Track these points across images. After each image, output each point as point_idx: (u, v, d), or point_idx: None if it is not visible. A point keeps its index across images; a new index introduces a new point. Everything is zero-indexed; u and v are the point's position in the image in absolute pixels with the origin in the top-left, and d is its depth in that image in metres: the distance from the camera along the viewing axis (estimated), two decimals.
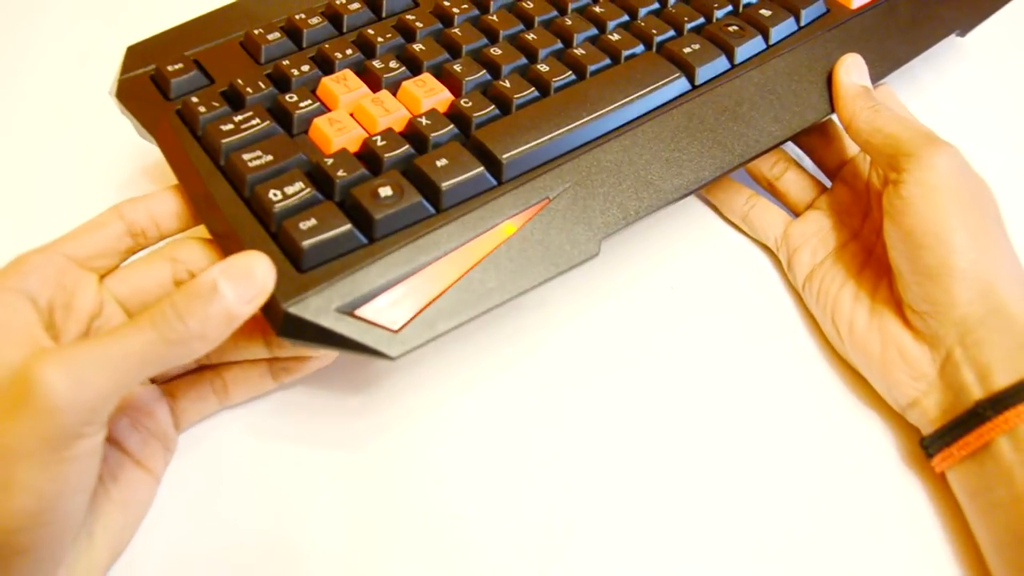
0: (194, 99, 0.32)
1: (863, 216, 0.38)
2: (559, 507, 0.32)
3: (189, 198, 0.31)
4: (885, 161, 0.34)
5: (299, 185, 0.29)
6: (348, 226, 0.28)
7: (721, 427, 0.34)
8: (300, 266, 0.28)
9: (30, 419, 0.22)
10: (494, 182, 0.31)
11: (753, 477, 0.33)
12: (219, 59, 0.35)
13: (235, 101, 0.33)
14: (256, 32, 0.35)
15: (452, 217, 0.29)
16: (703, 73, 0.35)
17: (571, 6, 0.38)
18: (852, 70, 0.36)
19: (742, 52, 0.36)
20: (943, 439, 0.31)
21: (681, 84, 0.35)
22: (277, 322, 0.27)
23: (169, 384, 0.32)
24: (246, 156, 0.30)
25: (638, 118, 0.34)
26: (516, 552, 0.30)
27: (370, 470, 0.32)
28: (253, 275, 0.25)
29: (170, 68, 0.34)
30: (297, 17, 0.36)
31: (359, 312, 0.27)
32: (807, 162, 0.42)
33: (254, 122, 0.31)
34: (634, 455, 0.33)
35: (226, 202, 0.30)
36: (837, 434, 0.34)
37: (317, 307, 0.27)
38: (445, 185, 0.30)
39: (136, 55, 0.35)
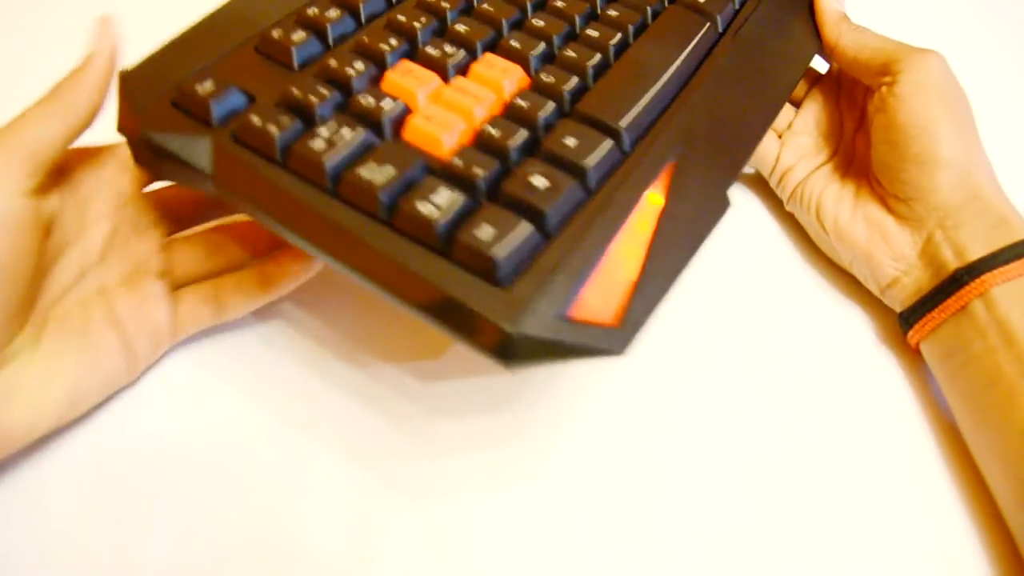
0: (254, 119, 0.27)
1: (839, 133, 0.41)
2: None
3: (275, 232, 0.26)
4: (875, 71, 0.37)
5: (446, 193, 0.26)
6: (528, 225, 0.25)
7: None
8: (497, 280, 0.24)
9: None
10: (620, 154, 0.29)
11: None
12: (240, 71, 0.29)
13: (302, 114, 0.28)
14: (275, 34, 0.30)
15: (603, 196, 0.28)
16: (722, 19, 0.36)
17: None
18: None
19: None
20: (923, 307, 0.35)
21: (711, 33, 0.35)
22: (498, 346, 0.24)
23: (177, 290, 0.33)
24: (364, 172, 0.26)
25: (695, 71, 0.34)
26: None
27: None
28: (102, 29, 0.29)
29: (201, 88, 0.27)
30: (310, 12, 0.31)
31: (573, 314, 0.25)
32: None
33: (345, 133, 0.27)
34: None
35: (360, 228, 0.25)
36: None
37: (538, 321, 0.24)
38: (589, 164, 0.28)
39: (135, 82, 0.28)
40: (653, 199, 0.28)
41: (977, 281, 0.33)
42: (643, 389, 0.35)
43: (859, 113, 0.40)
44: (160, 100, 0.28)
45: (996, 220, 0.34)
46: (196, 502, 0.30)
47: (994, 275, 0.32)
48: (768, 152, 0.42)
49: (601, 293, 0.26)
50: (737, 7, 0.37)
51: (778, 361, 0.37)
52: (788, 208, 0.41)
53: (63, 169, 0.30)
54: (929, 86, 0.35)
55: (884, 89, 0.36)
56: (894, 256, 0.36)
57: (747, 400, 0.35)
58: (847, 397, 0.36)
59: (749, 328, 0.37)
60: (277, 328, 0.35)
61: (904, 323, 0.36)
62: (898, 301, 0.36)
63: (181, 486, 0.31)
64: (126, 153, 0.29)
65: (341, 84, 0.29)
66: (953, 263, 0.34)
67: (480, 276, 0.24)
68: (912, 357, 0.37)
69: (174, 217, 0.33)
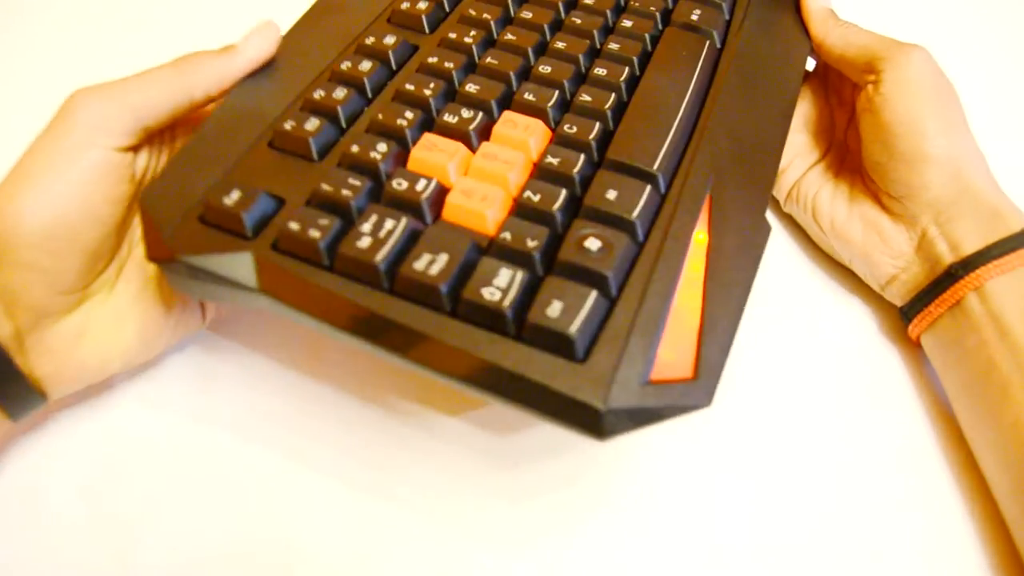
0: (293, 226, 0.26)
1: (831, 130, 0.41)
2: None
3: (336, 339, 0.25)
4: (861, 68, 0.36)
5: (505, 273, 0.25)
6: (594, 292, 0.25)
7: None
8: (575, 356, 0.24)
9: (57, 128, 0.27)
10: (659, 198, 0.29)
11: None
12: (261, 173, 0.28)
13: (338, 210, 0.27)
14: (287, 127, 0.29)
15: (653, 245, 0.27)
16: (718, 34, 0.36)
17: (560, 5, 0.36)
18: None
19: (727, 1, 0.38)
20: (921, 302, 0.35)
21: (712, 51, 0.35)
22: (591, 424, 0.23)
23: None
24: (419, 266, 0.25)
25: (706, 93, 0.34)
26: None
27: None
28: (260, 30, 0.31)
29: (229, 200, 0.26)
30: (316, 96, 0.30)
31: (654, 376, 0.25)
32: None
33: (389, 225, 0.26)
34: None
35: (426, 324, 0.24)
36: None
37: (624, 391, 0.24)
38: (635, 216, 0.27)
39: (156, 204, 0.27)
40: (698, 238, 0.28)
41: (972, 275, 0.33)
42: None
43: (849, 109, 0.40)
44: (187, 219, 0.27)
45: (989, 213, 0.34)
46: (196, 502, 0.30)
47: (988, 269, 0.32)
48: None
49: (673, 348, 0.25)
50: (728, 17, 0.37)
51: (782, 356, 0.37)
52: (786, 209, 0.41)
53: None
54: (914, 82, 0.35)
55: (870, 88, 0.36)
56: (891, 254, 0.36)
57: (752, 398, 0.35)
58: (851, 390, 0.36)
59: (753, 326, 0.36)
60: (276, 327, 0.35)
61: (904, 317, 0.36)
62: (898, 296, 0.37)
63: (181, 486, 0.31)
64: (169, 70, 0.29)
65: (369, 171, 0.28)
66: (948, 258, 0.34)
67: (557, 354, 0.24)
68: (914, 350, 0.37)
69: None
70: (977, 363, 0.32)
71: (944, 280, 0.34)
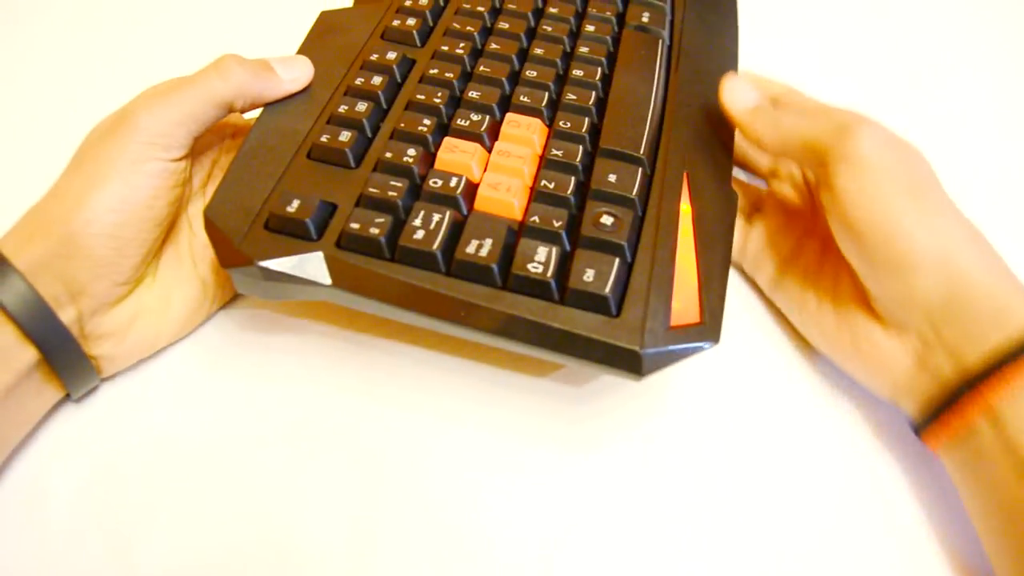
0: (354, 225, 0.30)
1: (809, 212, 0.37)
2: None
3: (402, 320, 0.30)
4: (809, 163, 0.33)
5: (543, 250, 0.30)
6: (616, 259, 0.30)
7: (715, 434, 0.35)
8: (612, 312, 0.29)
9: (121, 137, 0.30)
10: (648, 178, 0.34)
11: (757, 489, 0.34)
12: (308, 182, 0.32)
13: (388, 209, 0.31)
14: (324, 139, 0.33)
15: (652, 217, 0.33)
16: (666, 33, 0.42)
17: (530, 15, 0.41)
18: (736, 94, 0.36)
19: None
20: (926, 422, 0.31)
21: (664, 48, 0.41)
22: (632, 365, 0.29)
23: None
24: (470, 250, 0.29)
25: (667, 86, 0.39)
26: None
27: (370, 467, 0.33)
28: (297, 64, 0.35)
29: (291, 208, 0.30)
30: (342, 111, 0.34)
31: (673, 323, 0.30)
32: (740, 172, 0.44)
33: (436, 218, 0.30)
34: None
35: (484, 298, 0.29)
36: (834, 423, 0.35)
37: (655, 337, 0.29)
38: (635, 194, 0.33)
39: (220, 219, 0.30)
40: (684, 209, 0.34)
41: (977, 396, 0.29)
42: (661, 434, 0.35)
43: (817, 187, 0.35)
44: (253, 228, 0.30)
45: (990, 311, 0.29)
46: (196, 502, 0.31)
47: (996, 388, 0.28)
48: (734, 238, 0.37)
49: (682, 300, 0.31)
50: (671, 16, 0.43)
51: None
52: (772, 297, 0.38)
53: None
54: (872, 174, 0.30)
55: (823, 187, 0.32)
56: (890, 368, 0.32)
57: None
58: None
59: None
60: (277, 328, 0.37)
61: (916, 433, 0.32)
62: (907, 409, 0.33)
63: (181, 486, 0.32)
64: (219, 87, 0.32)
65: (404, 173, 0.32)
66: (949, 371, 0.30)
67: (597, 312, 0.29)
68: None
69: None
70: (993, 494, 0.29)
71: (947, 402, 0.30)
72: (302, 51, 0.37)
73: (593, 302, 0.29)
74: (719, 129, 0.38)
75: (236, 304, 0.37)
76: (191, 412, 0.34)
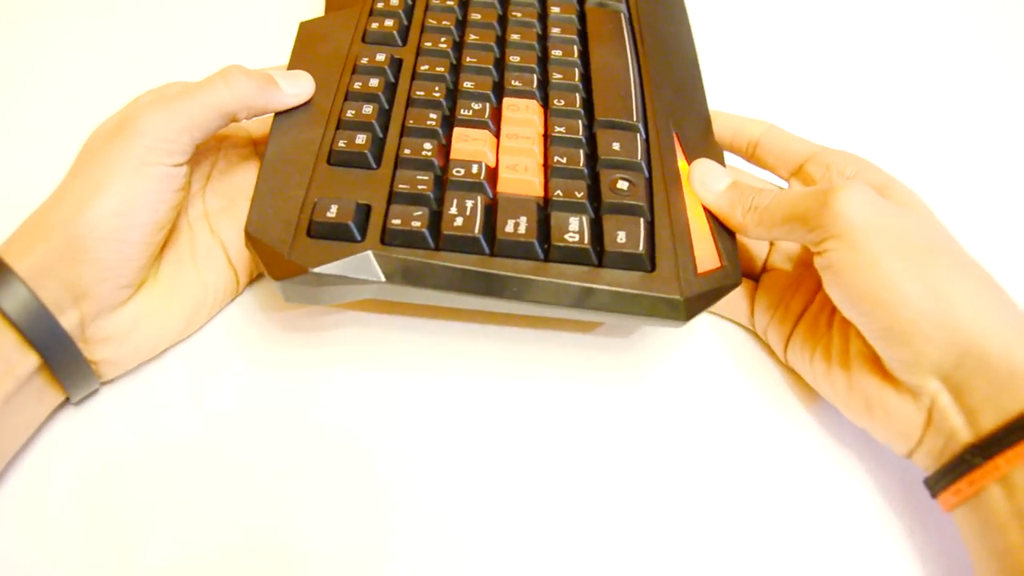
0: (395, 221, 0.31)
1: (814, 271, 0.33)
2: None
3: (454, 305, 0.32)
4: (797, 240, 0.32)
5: (574, 220, 0.32)
6: (641, 220, 0.32)
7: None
8: (648, 268, 0.32)
9: (122, 142, 0.31)
10: (646, 142, 0.37)
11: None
12: (336, 186, 0.33)
13: (421, 201, 0.32)
14: (341, 144, 0.34)
15: (658, 178, 0.35)
16: (624, 7, 0.44)
17: (497, 3, 0.43)
18: (707, 182, 0.35)
19: None
20: (939, 484, 0.30)
21: (627, 23, 0.43)
22: (676, 313, 0.31)
23: None
24: (509, 229, 0.31)
25: (637, 54, 0.42)
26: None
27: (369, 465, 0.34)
28: (300, 79, 0.36)
29: (331, 213, 0.31)
30: (349, 115, 0.35)
31: (699, 270, 0.33)
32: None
33: (469, 204, 0.32)
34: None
35: (531, 271, 0.31)
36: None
37: (690, 284, 0.32)
38: (640, 159, 0.35)
39: (261, 233, 0.31)
40: (682, 166, 0.37)
41: (991, 464, 0.28)
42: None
43: None
44: (297, 237, 0.31)
45: (1003, 376, 0.28)
46: (195, 503, 0.32)
47: (1010, 456, 0.27)
48: (735, 304, 0.38)
49: (701, 248, 0.34)
50: None
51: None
52: (787, 359, 0.36)
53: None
54: (858, 244, 0.29)
55: (817, 260, 0.31)
56: (904, 429, 0.31)
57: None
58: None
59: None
60: (277, 327, 0.37)
61: (930, 492, 0.31)
62: (924, 467, 0.31)
63: (181, 486, 0.32)
64: (224, 97, 0.33)
65: (427, 166, 0.34)
66: (964, 433, 0.29)
67: (635, 269, 0.31)
68: None
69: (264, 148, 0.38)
70: (1004, 564, 0.28)
71: (959, 466, 0.29)
72: (294, 63, 0.38)
73: (630, 261, 0.31)
74: (693, 90, 0.41)
75: (235, 305, 0.38)
76: (190, 413, 0.34)
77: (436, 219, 0.32)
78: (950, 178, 0.47)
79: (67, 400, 0.33)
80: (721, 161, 0.38)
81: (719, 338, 0.39)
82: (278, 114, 0.35)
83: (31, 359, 0.30)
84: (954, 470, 0.29)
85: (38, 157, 0.37)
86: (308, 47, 0.39)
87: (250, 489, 0.32)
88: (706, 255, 0.33)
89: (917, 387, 0.30)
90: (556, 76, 0.39)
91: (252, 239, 0.31)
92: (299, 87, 0.36)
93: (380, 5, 0.41)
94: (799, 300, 0.36)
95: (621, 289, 0.31)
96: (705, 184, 0.35)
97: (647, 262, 0.32)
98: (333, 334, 0.37)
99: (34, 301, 0.29)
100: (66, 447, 0.33)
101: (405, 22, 0.41)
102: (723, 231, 0.35)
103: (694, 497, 0.33)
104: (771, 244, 0.38)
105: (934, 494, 0.31)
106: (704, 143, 0.38)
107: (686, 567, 0.31)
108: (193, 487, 0.32)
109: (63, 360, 0.30)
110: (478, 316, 0.38)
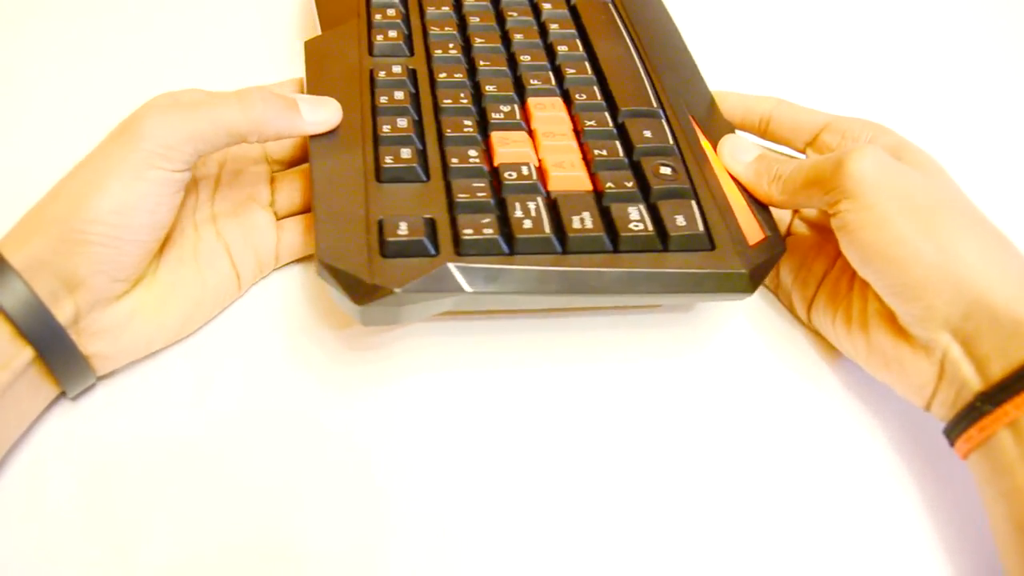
0: (467, 231, 0.31)
1: (833, 237, 0.34)
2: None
3: (532, 306, 0.33)
4: (816, 204, 0.34)
5: (633, 210, 0.33)
6: (692, 201, 0.34)
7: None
8: (709, 246, 0.33)
9: (125, 143, 0.31)
10: (668, 125, 0.38)
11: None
12: (394, 203, 0.33)
13: (485, 209, 0.32)
14: (388, 160, 0.33)
15: (690, 159, 0.36)
16: None
17: (490, 5, 0.43)
18: (737, 154, 0.37)
19: None
20: (953, 432, 0.31)
21: (611, 6, 0.44)
22: (743, 286, 0.33)
23: (281, 219, 0.38)
24: (576, 225, 0.32)
25: (633, 41, 0.43)
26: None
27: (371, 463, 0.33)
28: (326, 107, 0.35)
29: (402, 231, 0.31)
30: (386, 131, 0.35)
31: (750, 243, 0.34)
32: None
33: (532, 206, 0.32)
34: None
35: (603, 264, 0.32)
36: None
37: (749, 257, 0.33)
38: (672, 143, 0.36)
39: (339, 261, 0.30)
40: (705, 145, 0.38)
41: (1000, 410, 0.29)
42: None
43: None
44: (372, 261, 0.30)
45: (1009, 327, 0.29)
46: (194, 500, 0.31)
47: (1017, 402, 0.29)
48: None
49: (745, 222, 0.35)
50: None
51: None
52: (811, 322, 0.38)
53: None
54: (872, 206, 0.31)
55: (833, 221, 0.32)
56: (920, 383, 0.32)
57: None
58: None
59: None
60: (275, 327, 0.37)
61: (948, 439, 0.32)
62: (941, 417, 0.33)
63: (181, 485, 0.32)
64: (235, 117, 0.32)
65: (478, 173, 0.34)
66: (974, 381, 0.30)
67: (699, 249, 0.33)
68: None
69: (277, 158, 0.40)
70: (1012, 507, 0.29)
71: (969, 414, 0.30)
72: (312, 83, 0.37)
73: (693, 242, 0.33)
74: (690, 72, 0.43)
75: (233, 305, 0.37)
76: (189, 412, 0.34)
77: (504, 224, 0.32)
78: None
79: (63, 394, 0.33)
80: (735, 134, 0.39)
81: (744, 305, 0.40)
82: (312, 137, 0.35)
83: (26, 351, 0.30)
84: (966, 418, 0.30)
85: (38, 157, 0.37)
86: (319, 65, 0.38)
87: (250, 488, 0.32)
88: (751, 228, 0.35)
89: (929, 341, 0.31)
90: (569, 71, 0.39)
91: (329, 267, 0.30)
92: (322, 115, 0.35)
93: (379, 17, 0.41)
94: (820, 265, 0.37)
95: (692, 270, 0.32)
96: (735, 156, 0.37)
97: (708, 241, 0.33)
98: (330, 331, 0.37)
99: (29, 293, 0.29)
100: (65, 446, 0.32)
101: (407, 32, 0.41)
102: (757, 203, 0.36)
103: (739, 459, 0.34)
104: (794, 212, 0.40)
105: (951, 443, 0.32)
106: (718, 121, 0.40)
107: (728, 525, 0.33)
108: (193, 487, 0.32)
109: (57, 353, 0.31)
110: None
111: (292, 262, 0.39)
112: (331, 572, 0.30)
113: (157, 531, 0.30)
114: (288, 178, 0.39)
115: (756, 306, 0.40)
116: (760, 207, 0.36)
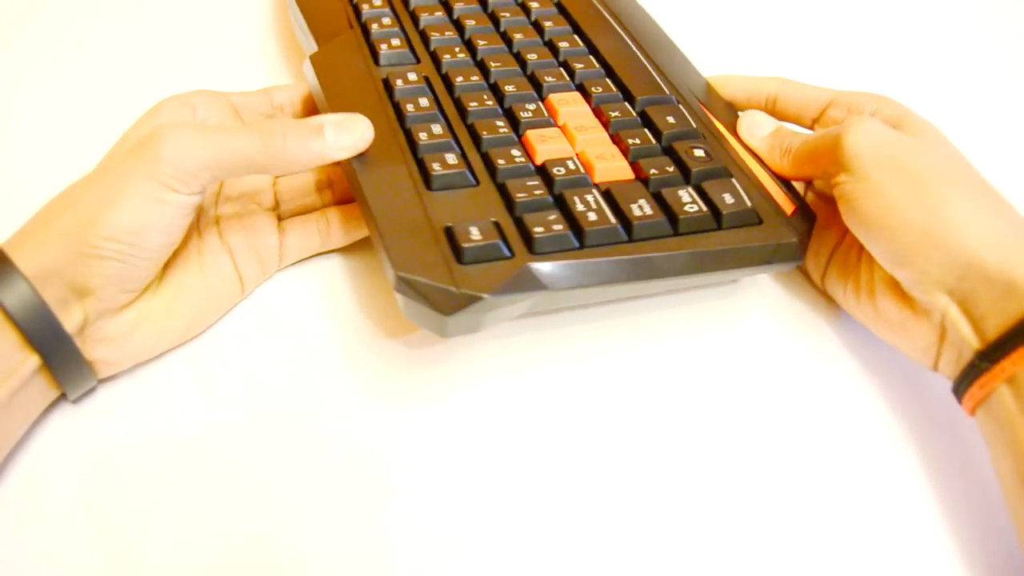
0: (538, 230, 0.31)
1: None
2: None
3: (606, 298, 0.33)
4: (820, 176, 0.36)
5: (684, 194, 0.34)
6: (732, 179, 0.35)
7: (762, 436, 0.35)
8: (758, 221, 0.34)
9: (144, 161, 0.30)
10: (683, 111, 0.39)
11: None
12: (455, 209, 0.32)
13: (545, 207, 0.32)
14: (437, 167, 0.33)
15: (712, 140, 0.38)
16: None
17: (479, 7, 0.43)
18: (753, 129, 0.39)
19: None
20: (958, 390, 0.32)
21: (598, 4, 0.45)
22: (791, 256, 0.34)
23: (283, 221, 0.38)
24: (638, 213, 0.32)
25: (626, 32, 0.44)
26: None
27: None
28: (352, 129, 0.33)
29: (475, 236, 0.30)
30: (423, 138, 0.34)
31: (788, 213, 0.36)
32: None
33: (590, 198, 0.32)
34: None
35: (668, 247, 0.32)
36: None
37: (791, 229, 0.34)
38: (695, 126, 0.37)
39: (420, 274, 0.29)
40: (719, 126, 0.39)
41: (998, 367, 0.30)
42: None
43: None
44: (449, 269, 0.29)
45: (1003, 285, 0.30)
46: (194, 501, 0.31)
47: (1014, 358, 0.29)
48: None
49: (776, 195, 0.37)
50: None
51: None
52: (826, 290, 0.39)
53: None
54: (867, 176, 0.32)
55: (835, 192, 0.34)
56: (925, 346, 0.34)
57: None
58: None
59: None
60: (274, 326, 0.37)
61: (956, 398, 0.33)
62: (948, 378, 0.34)
63: (181, 486, 0.32)
64: (252, 151, 0.31)
65: (527, 172, 0.33)
66: (973, 340, 0.31)
67: (750, 225, 0.34)
68: None
69: None
70: (1014, 465, 0.30)
71: (969, 373, 0.31)
72: (331, 98, 0.35)
73: (744, 218, 0.34)
74: (679, 56, 0.44)
75: (233, 306, 0.37)
76: (189, 412, 0.34)
77: (568, 219, 0.32)
78: None
79: (63, 396, 0.33)
80: (736, 115, 0.41)
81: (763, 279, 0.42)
82: None
83: (32, 359, 0.30)
84: (968, 376, 0.31)
85: (38, 157, 0.37)
86: (332, 79, 0.36)
87: (251, 490, 0.32)
88: (782, 200, 0.36)
89: (928, 303, 0.32)
90: (578, 66, 0.40)
91: (410, 283, 0.29)
92: (350, 139, 0.32)
93: (376, 27, 0.40)
94: (831, 236, 0.38)
95: (750, 244, 0.33)
96: (752, 131, 0.39)
97: (756, 216, 0.34)
98: (330, 330, 0.36)
99: (38, 301, 0.29)
100: (67, 447, 0.32)
101: (407, 37, 0.40)
102: (779, 177, 0.38)
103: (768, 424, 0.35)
104: (807, 185, 0.42)
105: (959, 401, 0.33)
106: (719, 101, 0.41)
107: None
108: (194, 488, 0.32)
109: (63, 360, 0.31)
110: None
111: (293, 263, 0.39)
112: (332, 574, 0.30)
113: (158, 533, 0.30)
114: (294, 181, 0.39)
115: (784, 278, 0.41)
116: (782, 179, 0.38)
